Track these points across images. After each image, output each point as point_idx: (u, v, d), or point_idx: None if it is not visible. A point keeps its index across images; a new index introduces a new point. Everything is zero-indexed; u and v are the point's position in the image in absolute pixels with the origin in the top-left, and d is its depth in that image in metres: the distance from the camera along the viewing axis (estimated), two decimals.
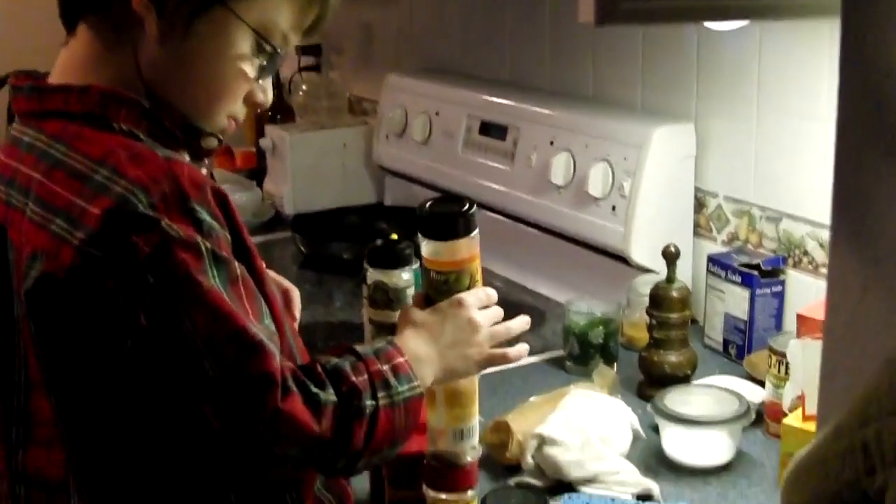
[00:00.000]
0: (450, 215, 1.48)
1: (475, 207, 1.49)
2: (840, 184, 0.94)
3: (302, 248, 2.78)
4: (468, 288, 1.49)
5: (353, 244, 2.63)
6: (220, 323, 1.22)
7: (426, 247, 1.49)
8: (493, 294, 1.52)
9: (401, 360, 1.37)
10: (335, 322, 2.39)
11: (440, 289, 1.49)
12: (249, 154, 3.41)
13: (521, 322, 1.55)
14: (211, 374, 1.22)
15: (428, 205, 1.50)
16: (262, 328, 1.25)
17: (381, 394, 1.32)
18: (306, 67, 3.48)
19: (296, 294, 1.68)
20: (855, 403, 0.86)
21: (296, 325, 1.59)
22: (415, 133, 2.88)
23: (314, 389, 1.27)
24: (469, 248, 1.48)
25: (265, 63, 1.39)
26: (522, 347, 1.55)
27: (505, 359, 1.52)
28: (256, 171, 3.31)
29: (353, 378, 1.31)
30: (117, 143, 1.28)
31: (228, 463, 1.31)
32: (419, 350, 1.42)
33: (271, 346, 1.25)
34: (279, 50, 1.39)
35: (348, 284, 2.54)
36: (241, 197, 3.08)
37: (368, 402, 1.30)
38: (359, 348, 1.36)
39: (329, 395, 1.28)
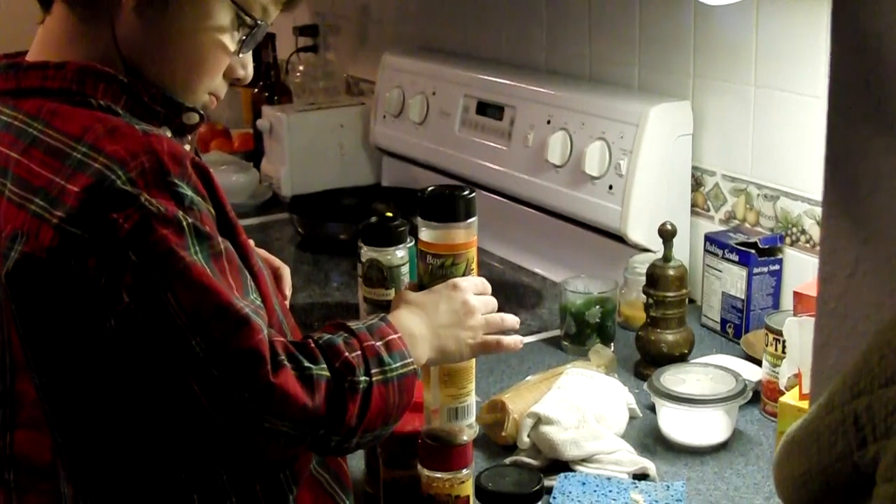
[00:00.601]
0: (451, 198, 1.49)
1: (475, 194, 1.50)
2: (831, 156, 0.93)
3: (299, 229, 2.77)
4: (463, 275, 1.50)
5: (351, 225, 2.62)
6: (204, 298, 1.20)
7: (425, 230, 1.49)
8: (487, 284, 1.53)
9: (394, 336, 1.36)
10: (332, 303, 2.38)
11: (436, 273, 1.50)
12: (247, 135, 3.40)
13: (513, 319, 1.55)
14: (198, 351, 1.20)
15: (429, 189, 1.52)
16: (247, 302, 1.24)
17: (374, 370, 1.30)
18: (303, 48, 3.48)
19: (286, 272, 1.67)
20: (846, 376, 0.85)
21: (286, 304, 1.58)
22: (412, 113, 2.87)
23: (306, 364, 1.26)
24: (467, 234, 1.50)
25: (245, 37, 1.38)
26: (518, 338, 1.55)
27: (499, 346, 1.52)
28: (254, 153, 3.30)
29: (347, 353, 1.29)
30: (95, 118, 1.26)
31: (218, 441, 1.29)
32: (413, 327, 1.42)
33: (258, 321, 1.23)
34: (259, 22, 1.38)
35: (345, 265, 2.54)
36: (239, 178, 3.07)
37: (362, 378, 1.29)
38: (351, 324, 1.35)
39: (322, 370, 1.27)
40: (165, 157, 1.22)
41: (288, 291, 1.65)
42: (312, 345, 1.29)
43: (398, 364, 1.33)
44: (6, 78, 1.34)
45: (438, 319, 1.45)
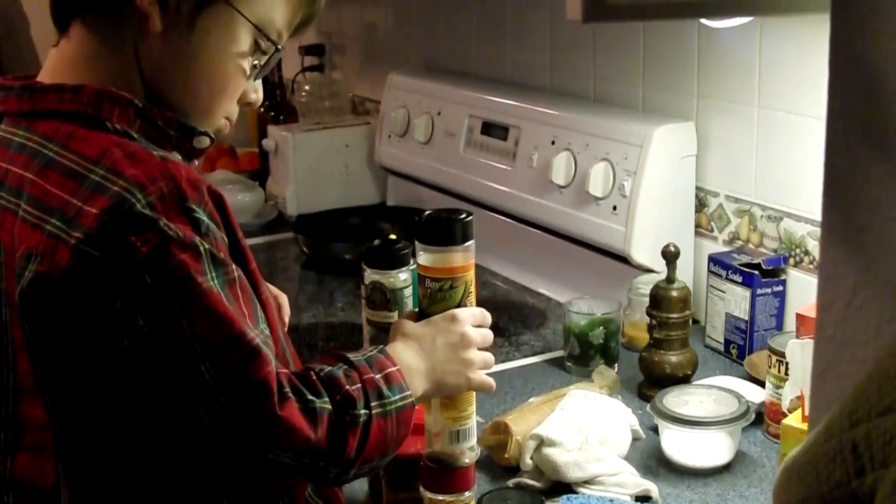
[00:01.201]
0: (448, 222, 1.50)
1: (472, 217, 1.51)
2: (830, 182, 0.93)
3: (304, 249, 2.78)
4: (462, 299, 1.50)
5: (356, 245, 2.62)
6: (218, 326, 1.21)
7: (423, 254, 1.50)
8: (487, 315, 1.53)
9: (393, 369, 1.37)
10: (336, 322, 2.39)
11: (434, 297, 1.50)
12: (252, 155, 3.41)
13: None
14: (207, 378, 1.20)
15: (427, 213, 1.53)
16: (258, 332, 1.25)
17: (374, 403, 1.31)
18: (309, 67, 3.49)
19: (285, 300, 1.68)
20: (845, 404, 0.85)
21: (285, 330, 1.59)
22: (417, 133, 2.88)
23: (310, 397, 1.27)
24: (465, 257, 1.50)
25: (260, 62, 1.39)
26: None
27: (491, 389, 1.53)
28: (259, 172, 3.31)
29: (347, 386, 1.30)
30: (112, 142, 1.27)
31: (221, 468, 1.30)
32: (410, 360, 1.42)
33: (268, 352, 1.24)
34: (279, 47, 1.39)
35: (350, 285, 2.54)
36: (244, 198, 3.08)
37: (362, 411, 1.30)
38: (351, 356, 1.36)
39: (324, 404, 1.28)
40: (183, 183, 1.23)
41: (286, 318, 1.66)
42: (314, 377, 1.30)
43: (397, 397, 1.34)
44: (20, 100, 1.34)
45: (436, 353, 1.45)
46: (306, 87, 3.44)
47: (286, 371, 1.28)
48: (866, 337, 0.90)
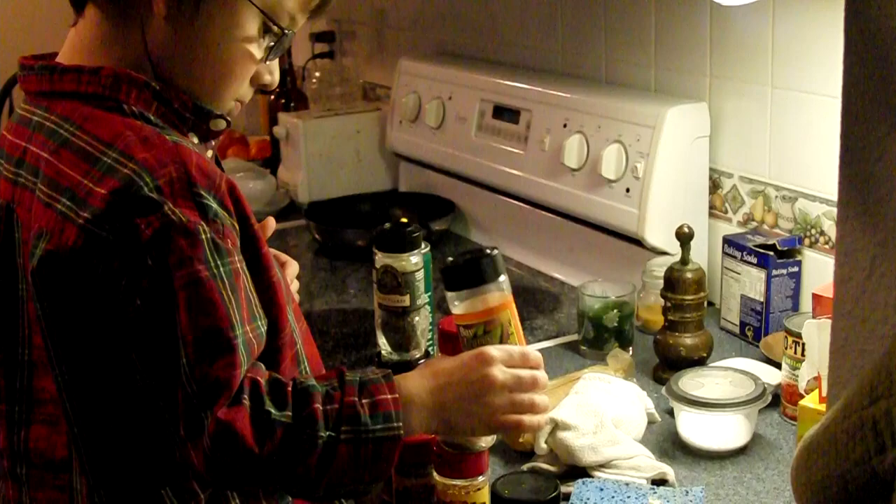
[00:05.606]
0: (466, 263, 1.41)
1: (496, 252, 1.40)
2: (846, 156, 0.91)
3: (316, 236, 2.77)
4: (500, 342, 1.39)
5: (368, 231, 2.61)
6: (203, 316, 1.22)
7: (453, 303, 1.41)
8: (531, 356, 1.40)
9: (387, 397, 1.30)
10: (349, 309, 2.38)
11: (472, 345, 1.40)
12: (263, 142, 3.40)
13: (543, 401, 1.40)
14: (184, 362, 1.22)
15: (448, 259, 1.43)
16: (248, 328, 1.25)
17: (344, 427, 1.26)
18: (319, 54, 3.48)
19: (291, 268, 1.66)
20: (863, 380, 0.84)
21: (297, 299, 1.58)
22: (428, 118, 2.87)
23: (267, 407, 1.24)
24: (496, 297, 1.40)
25: (272, 44, 1.38)
26: (541, 418, 1.41)
27: (519, 427, 1.39)
28: (270, 160, 3.30)
29: (317, 405, 1.26)
30: (127, 125, 1.28)
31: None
32: (414, 393, 1.34)
33: (242, 354, 1.23)
34: (286, 31, 1.38)
35: (362, 271, 2.54)
36: (256, 185, 3.07)
37: (324, 433, 1.25)
38: (348, 376, 1.31)
39: (283, 416, 1.25)
40: (193, 169, 1.24)
41: (292, 279, 1.64)
42: (289, 388, 1.27)
43: (379, 426, 1.28)
44: (40, 80, 1.36)
45: (450, 391, 1.35)
46: (317, 74, 3.42)
47: (257, 378, 1.25)
48: (885, 311, 0.89)
